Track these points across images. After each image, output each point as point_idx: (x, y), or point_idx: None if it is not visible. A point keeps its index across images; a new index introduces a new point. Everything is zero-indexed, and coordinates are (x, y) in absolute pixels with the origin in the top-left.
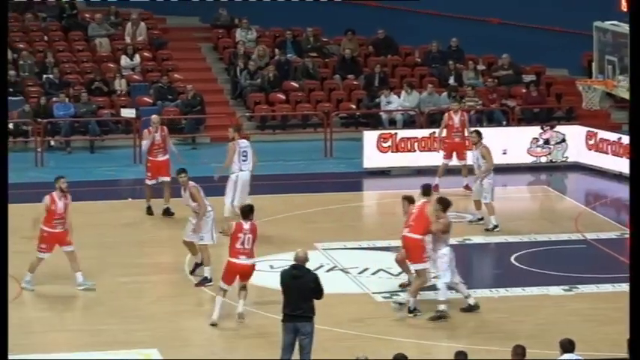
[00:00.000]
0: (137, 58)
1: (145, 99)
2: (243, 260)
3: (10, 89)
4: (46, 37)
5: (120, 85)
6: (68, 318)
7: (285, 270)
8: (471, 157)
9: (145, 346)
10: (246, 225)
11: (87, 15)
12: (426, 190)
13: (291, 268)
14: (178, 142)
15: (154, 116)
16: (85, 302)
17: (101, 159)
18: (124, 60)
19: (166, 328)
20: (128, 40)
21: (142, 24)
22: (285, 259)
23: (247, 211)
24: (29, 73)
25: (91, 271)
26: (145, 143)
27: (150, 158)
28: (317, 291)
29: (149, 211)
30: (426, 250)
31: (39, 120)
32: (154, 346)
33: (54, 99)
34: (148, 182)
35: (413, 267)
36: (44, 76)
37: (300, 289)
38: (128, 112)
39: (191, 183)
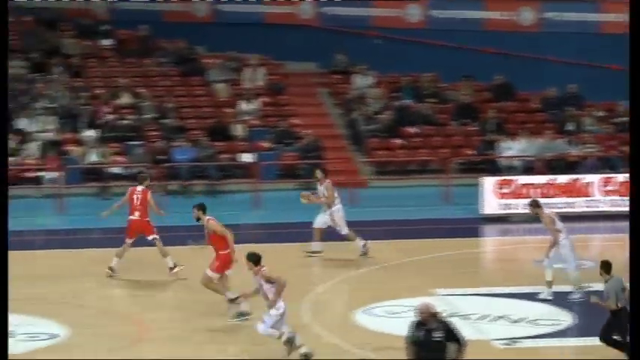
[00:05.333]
0: (256, 103)
1: (264, 144)
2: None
3: (131, 133)
4: (165, 82)
5: (239, 129)
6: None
7: (409, 334)
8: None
9: None
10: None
11: (206, 60)
12: None
13: (416, 326)
14: (297, 187)
15: None
16: (196, 345)
17: (220, 203)
18: (243, 105)
19: None
20: (247, 85)
21: (261, 69)
22: (402, 305)
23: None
24: (149, 118)
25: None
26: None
27: None
28: (450, 338)
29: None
30: None
31: (158, 164)
32: None
33: (173, 143)
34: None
35: None
36: (163, 120)
37: (430, 350)
38: (247, 157)
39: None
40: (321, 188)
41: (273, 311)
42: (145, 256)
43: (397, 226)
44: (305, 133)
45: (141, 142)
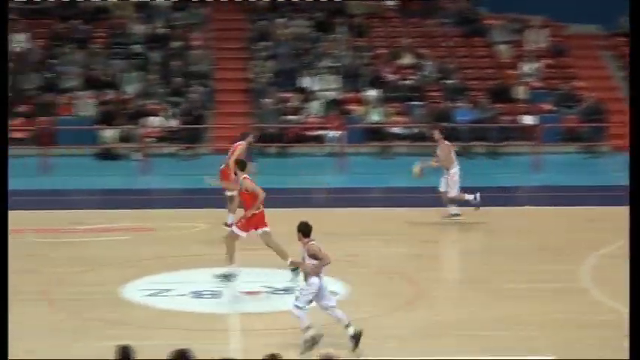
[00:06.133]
0: (538, 64)
1: (545, 106)
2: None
3: (412, 93)
4: (447, 43)
5: (520, 91)
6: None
7: None
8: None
9: (541, 354)
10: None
11: (489, 21)
12: None
13: None
14: (577, 151)
15: None
16: (473, 307)
17: (501, 165)
18: (525, 66)
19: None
20: (529, 46)
21: (544, 31)
22: None
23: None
24: (431, 78)
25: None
26: None
27: None
28: None
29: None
30: None
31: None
32: (551, 355)
33: (455, 104)
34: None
35: None
36: (445, 81)
37: None
38: (528, 119)
39: None
40: (438, 150)
41: (306, 286)
42: (429, 215)
43: None
44: (587, 96)
45: (422, 103)
